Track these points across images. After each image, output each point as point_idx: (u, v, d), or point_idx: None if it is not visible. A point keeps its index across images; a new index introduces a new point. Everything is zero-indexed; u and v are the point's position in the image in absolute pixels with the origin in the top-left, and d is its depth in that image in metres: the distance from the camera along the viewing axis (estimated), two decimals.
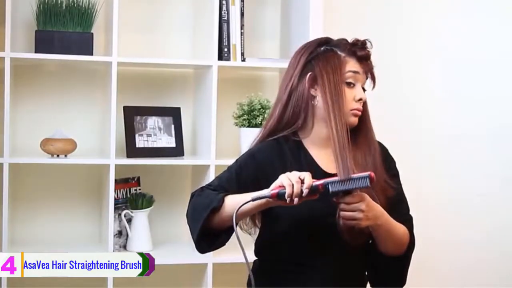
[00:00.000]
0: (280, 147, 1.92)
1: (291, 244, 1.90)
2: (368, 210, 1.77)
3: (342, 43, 1.92)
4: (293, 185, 1.71)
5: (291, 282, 1.90)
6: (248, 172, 1.90)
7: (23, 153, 2.92)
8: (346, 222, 1.78)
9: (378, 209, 1.81)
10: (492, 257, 3.39)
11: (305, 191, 1.70)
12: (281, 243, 1.93)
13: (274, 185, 1.75)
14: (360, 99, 1.88)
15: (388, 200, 1.89)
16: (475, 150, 3.39)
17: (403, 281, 1.96)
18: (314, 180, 1.73)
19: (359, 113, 1.89)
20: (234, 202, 1.79)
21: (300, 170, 1.79)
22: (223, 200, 1.82)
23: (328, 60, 1.88)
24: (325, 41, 1.95)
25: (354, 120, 1.89)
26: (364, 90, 1.92)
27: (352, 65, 1.89)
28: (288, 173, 1.74)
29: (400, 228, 1.89)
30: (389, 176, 1.92)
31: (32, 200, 3.00)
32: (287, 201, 1.72)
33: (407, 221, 1.94)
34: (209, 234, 1.87)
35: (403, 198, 1.98)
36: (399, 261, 1.92)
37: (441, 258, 3.32)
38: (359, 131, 1.91)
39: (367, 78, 1.92)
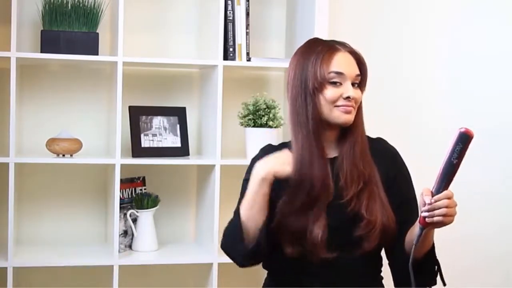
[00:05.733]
0: None
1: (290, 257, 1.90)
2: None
3: None
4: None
5: None
6: None
7: (28, 152, 2.93)
8: (447, 220, 1.74)
9: None
10: (494, 256, 3.38)
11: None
12: (282, 254, 1.91)
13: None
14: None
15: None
16: (477, 148, 3.37)
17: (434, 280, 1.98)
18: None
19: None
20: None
21: None
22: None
23: None
24: None
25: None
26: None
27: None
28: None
29: None
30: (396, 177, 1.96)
31: (38, 199, 3.01)
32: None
33: None
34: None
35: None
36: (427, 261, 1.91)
37: (442, 257, 3.30)
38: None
39: None
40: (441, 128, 3.34)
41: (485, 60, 3.39)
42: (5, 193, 2.70)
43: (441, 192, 1.70)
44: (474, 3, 3.39)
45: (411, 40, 3.33)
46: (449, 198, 1.71)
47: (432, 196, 1.71)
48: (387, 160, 1.97)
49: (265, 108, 2.90)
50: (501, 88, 3.41)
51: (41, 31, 2.82)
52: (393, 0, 3.32)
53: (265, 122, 2.88)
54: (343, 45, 1.94)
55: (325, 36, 2.85)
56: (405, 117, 3.28)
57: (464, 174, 3.29)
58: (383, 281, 2.03)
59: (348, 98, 1.88)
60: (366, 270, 1.95)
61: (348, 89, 1.88)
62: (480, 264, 3.38)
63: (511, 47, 3.42)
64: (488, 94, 3.39)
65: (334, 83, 1.88)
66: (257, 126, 2.89)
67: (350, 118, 1.89)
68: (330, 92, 1.87)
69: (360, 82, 1.93)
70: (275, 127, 2.89)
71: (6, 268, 2.69)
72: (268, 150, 2.00)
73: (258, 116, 2.90)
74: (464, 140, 1.67)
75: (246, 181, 1.92)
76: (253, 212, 1.84)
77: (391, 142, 2.05)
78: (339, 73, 1.88)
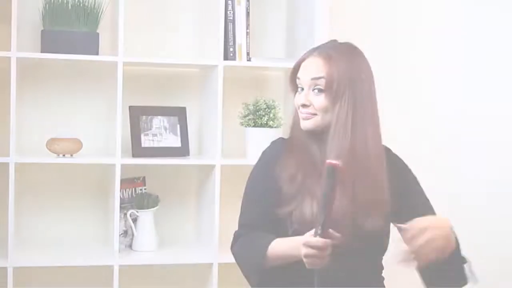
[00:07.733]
0: None
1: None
2: None
3: None
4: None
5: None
6: None
7: (29, 152, 2.92)
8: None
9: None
10: (495, 257, 3.37)
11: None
12: None
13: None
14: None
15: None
16: (477, 148, 3.38)
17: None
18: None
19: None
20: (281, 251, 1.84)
21: None
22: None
23: None
24: None
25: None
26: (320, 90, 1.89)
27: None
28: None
29: None
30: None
31: (38, 199, 3.00)
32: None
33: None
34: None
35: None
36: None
37: None
38: None
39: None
40: (441, 129, 3.34)
41: (486, 60, 3.39)
42: (5, 193, 2.70)
43: (324, 221, 1.68)
44: (474, 3, 3.39)
45: (411, 40, 3.32)
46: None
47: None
48: (396, 177, 1.92)
49: (265, 108, 2.90)
50: (501, 88, 3.41)
51: (41, 31, 2.82)
52: (393, 0, 3.32)
53: (265, 122, 2.88)
54: (323, 47, 1.91)
55: (325, 36, 2.85)
56: (404, 118, 3.28)
57: (465, 173, 3.35)
58: (383, 282, 2.04)
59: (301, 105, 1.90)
60: (366, 270, 1.94)
61: (298, 97, 1.91)
62: (480, 264, 3.37)
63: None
64: (488, 94, 3.39)
65: (300, 90, 1.91)
66: (257, 126, 2.89)
67: (306, 124, 1.90)
68: (295, 99, 1.93)
69: (328, 87, 1.85)
70: (275, 127, 2.89)
71: (6, 268, 2.69)
72: (279, 143, 2.01)
73: (258, 116, 2.90)
74: (330, 172, 1.65)
75: (254, 177, 1.95)
76: (278, 263, 1.85)
77: (391, 143, 2.04)
78: (298, 80, 1.91)
